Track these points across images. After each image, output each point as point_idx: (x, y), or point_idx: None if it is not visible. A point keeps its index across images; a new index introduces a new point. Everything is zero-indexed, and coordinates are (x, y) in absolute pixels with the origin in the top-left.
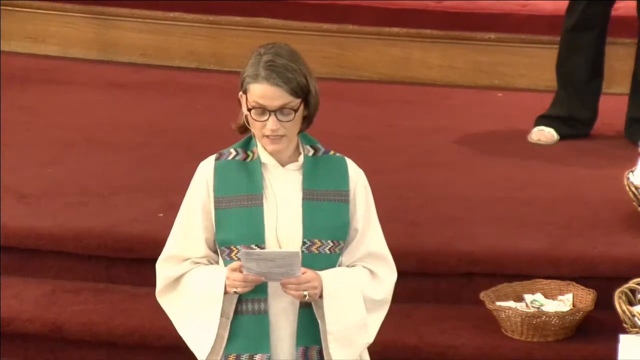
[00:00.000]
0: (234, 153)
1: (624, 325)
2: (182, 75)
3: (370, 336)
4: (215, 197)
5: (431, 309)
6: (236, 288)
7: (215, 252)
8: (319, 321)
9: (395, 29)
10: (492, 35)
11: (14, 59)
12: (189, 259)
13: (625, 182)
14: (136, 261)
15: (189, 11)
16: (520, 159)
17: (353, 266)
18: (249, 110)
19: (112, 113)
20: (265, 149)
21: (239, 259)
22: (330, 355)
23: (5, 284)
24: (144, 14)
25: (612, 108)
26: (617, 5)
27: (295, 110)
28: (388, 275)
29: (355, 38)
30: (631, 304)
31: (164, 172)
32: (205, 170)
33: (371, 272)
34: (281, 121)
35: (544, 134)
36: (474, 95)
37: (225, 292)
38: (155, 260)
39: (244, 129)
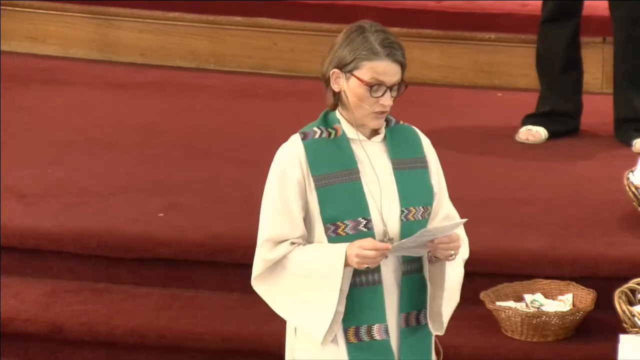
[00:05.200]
0: (318, 132)
1: (624, 325)
2: (182, 75)
3: (459, 295)
4: (313, 176)
5: None
6: (367, 264)
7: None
8: (429, 282)
9: (395, 29)
10: (492, 35)
11: (14, 59)
12: (286, 240)
13: (625, 182)
14: (136, 261)
15: (189, 11)
16: (520, 159)
17: None
18: (369, 86)
19: (112, 113)
20: (367, 125)
21: (341, 234)
22: (442, 311)
23: (5, 284)
24: (144, 14)
25: (611, 108)
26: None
27: (402, 85)
28: (464, 235)
29: None
30: (631, 304)
31: (164, 172)
32: (296, 150)
33: None
34: (392, 97)
35: (532, 133)
36: (474, 95)
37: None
38: (155, 260)
39: (335, 106)
